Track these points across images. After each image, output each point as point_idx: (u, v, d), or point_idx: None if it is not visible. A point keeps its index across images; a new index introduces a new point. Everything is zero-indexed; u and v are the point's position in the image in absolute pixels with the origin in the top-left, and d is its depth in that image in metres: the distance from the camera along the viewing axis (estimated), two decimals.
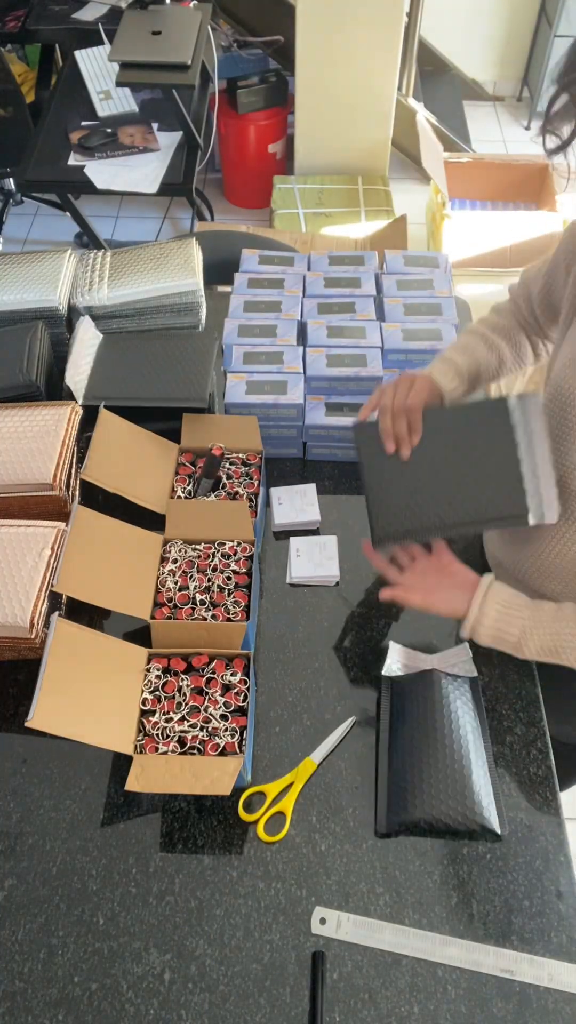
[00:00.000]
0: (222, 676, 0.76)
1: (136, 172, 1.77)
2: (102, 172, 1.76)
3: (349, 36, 2.07)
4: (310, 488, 0.99)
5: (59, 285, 1.07)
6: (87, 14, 2.08)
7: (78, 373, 0.97)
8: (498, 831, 0.73)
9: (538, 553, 0.77)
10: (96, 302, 1.06)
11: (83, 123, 1.87)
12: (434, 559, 0.76)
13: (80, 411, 0.93)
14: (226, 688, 0.76)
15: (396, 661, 0.84)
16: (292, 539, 0.95)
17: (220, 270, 1.24)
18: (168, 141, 1.84)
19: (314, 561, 0.92)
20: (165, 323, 1.10)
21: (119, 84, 1.73)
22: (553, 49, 2.71)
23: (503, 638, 0.71)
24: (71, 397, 0.96)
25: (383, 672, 0.82)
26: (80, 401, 0.96)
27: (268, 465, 1.04)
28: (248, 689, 0.75)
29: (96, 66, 1.98)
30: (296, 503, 0.97)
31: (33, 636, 0.77)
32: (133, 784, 0.69)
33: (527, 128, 2.97)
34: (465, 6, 2.80)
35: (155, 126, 1.87)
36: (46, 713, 0.66)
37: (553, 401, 0.72)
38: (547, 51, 2.73)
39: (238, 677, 0.76)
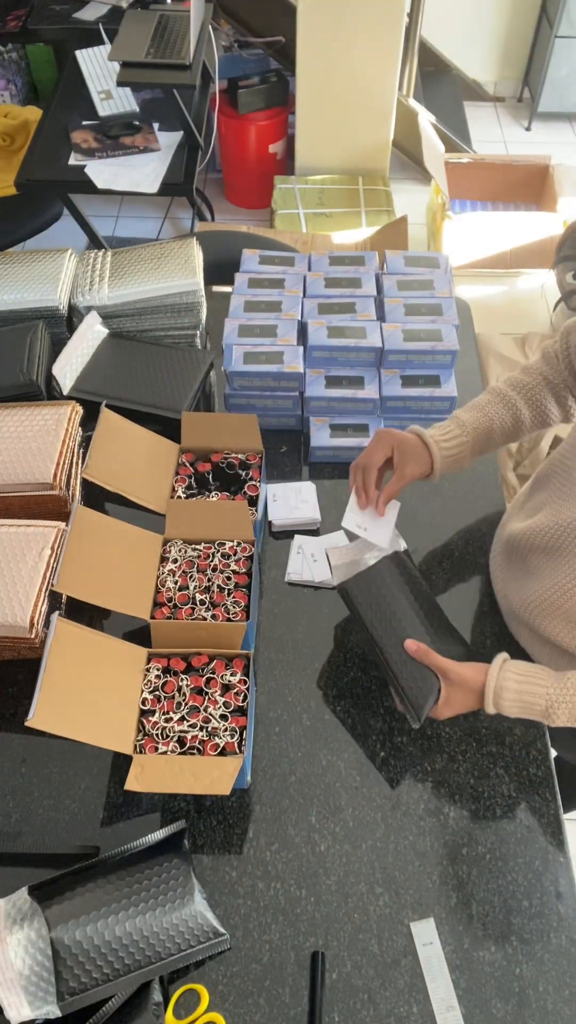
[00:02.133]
0: (222, 676, 0.76)
1: (137, 172, 1.77)
2: (103, 172, 1.76)
3: (350, 36, 2.08)
4: (306, 486, 0.99)
5: (59, 285, 1.07)
6: (88, 14, 2.08)
7: (69, 364, 0.97)
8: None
9: (542, 589, 0.77)
10: (97, 302, 1.06)
11: (84, 123, 1.87)
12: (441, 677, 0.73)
13: (80, 411, 0.93)
14: (226, 688, 0.76)
15: (338, 560, 0.86)
16: (297, 537, 0.95)
17: (220, 270, 1.24)
18: (168, 141, 1.84)
19: (317, 563, 0.92)
20: (165, 323, 1.10)
21: (120, 84, 1.73)
22: (554, 50, 2.71)
23: (530, 707, 0.69)
24: (60, 390, 0.96)
25: (334, 581, 0.83)
26: (64, 391, 0.96)
27: (267, 464, 1.04)
28: (248, 689, 0.75)
29: (97, 66, 1.98)
30: (291, 500, 0.97)
31: (33, 636, 0.77)
32: (133, 784, 0.69)
33: (528, 129, 2.97)
34: (466, 7, 2.80)
35: (156, 126, 1.87)
36: (46, 712, 0.66)
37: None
38: (548, 52, 2.73)
39: (238, 677, 0.76)
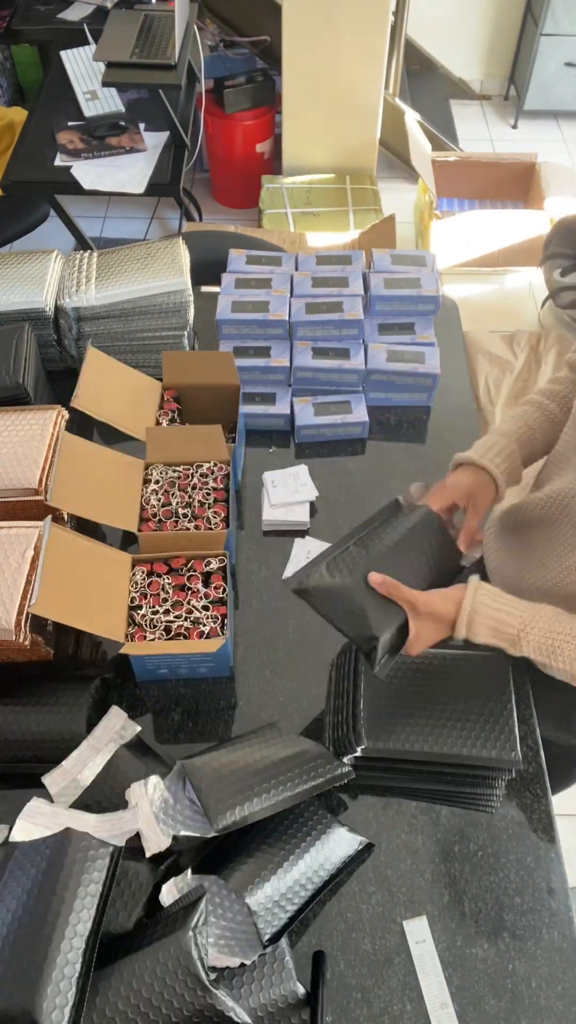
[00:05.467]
0: (206, 563, 0.82)
1: (123, 172, 1.76)
2: (89, 173, 1.75)
3: (335, 36, 2.08)
4: (302, 469, 1.01)
5: (45, 286, 1.06)
6: (72, 14, 2.07)
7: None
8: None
9: (544, 570, 0.77)
10: (84, 303, 1.06)
11: (70, 123, 1.86)
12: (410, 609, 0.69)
13: (66, 415, 0.93)
14: (206, 584, 0.81)
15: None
16: (298, 541, 0.96)
17: (208, 270, 1.24)
18: (155, 141, 1.84)
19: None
20: (153, 324, 1.10)
21: (105, 84, 1.72)
22: (539, 48, 2.72)
23: (502, 630, 0.67)
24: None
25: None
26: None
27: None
28: (226, 582, 0.81)
29: (82, 66, 1.97)
30: (290, 485, 0.99)
31: (21, 639, 0.76)
32: (129, 648, 0.74)
33: (514, 127, 2.98)
34: (451, 5, 2.81)
35: (142, 126, 1.86)
36: (47, 601, 0.71)
37: None
38: (533, 50, 2.74)
39: (215, 566, 0.81)
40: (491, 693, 0.76)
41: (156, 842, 0.65)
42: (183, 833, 0.64)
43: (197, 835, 0.64)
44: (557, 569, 0.75)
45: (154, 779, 0.68)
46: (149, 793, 0.67)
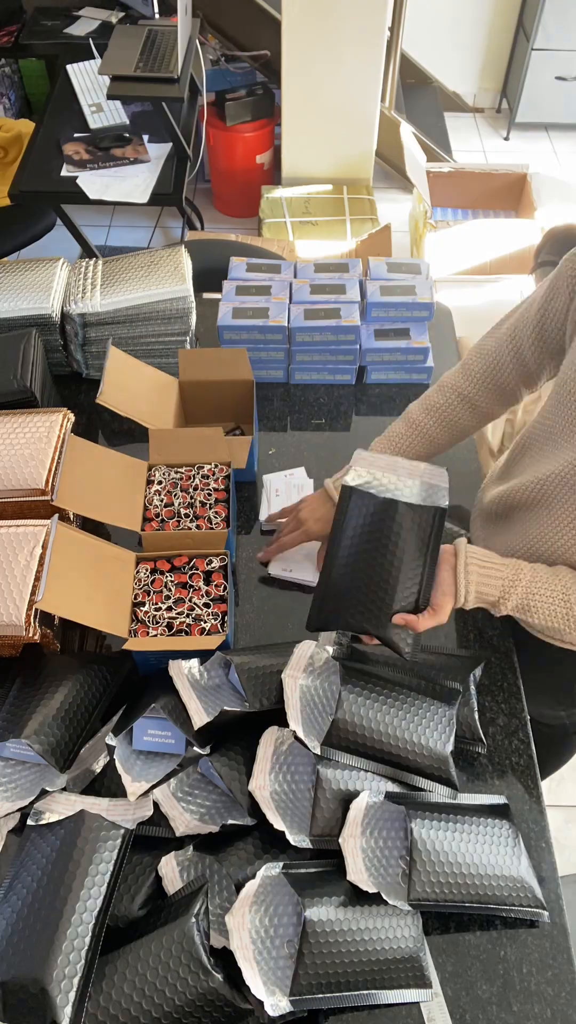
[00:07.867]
0: (207, 561, 0.84)
1: (127, 183, 1.80)
2: (94, 183, 1.79)
3: (333, 50, 2.13)
4: (300, 471, 1.04)
5: (52, 293, 1.09)
6: (78, 29, 2.12)
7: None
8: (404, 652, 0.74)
9: (524, 540, 0.80)
10: (89, 309, 1.09)
11: (76, 135, 1.91)
12: None
13: (72, 418, 0.95)
14: (207, 583, 0.83)
15: (362, 472, 0.76)
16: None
17: (210, 278, 1.27)
18: (158, 152, 1.88)
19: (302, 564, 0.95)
20: (157, 330, 1.13)
21: (110, 97, 1.76)
22: (531, 62, 2.78)
23: (484, 599, 0.74)
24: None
25: (346, 481, 0.75)
26: None
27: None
28: (227, 580, 0.83)
29: (87, 80, 2.01)
30: (289, 486, 1.02)
31: (30, 634, 0.78)
32: (132, 644, 0.75)
33: (506, 139, 3.04)
34: (445, 21, 2.87)
35: (146, 138, 1.91)
36: (53, 597, 0.72)
37: (559, 402, 0.75)
38: (525, 64, 2.80)
39: (216, 565, 0.83)
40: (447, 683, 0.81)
41: (199, 715, 0.69)
42: (227, 708, 0.68)
43: (239, 710, 0.68)
44: (547, 543, 0.78)
45: (193, 661, 0.75)
46: (186, 670, 0.74)
